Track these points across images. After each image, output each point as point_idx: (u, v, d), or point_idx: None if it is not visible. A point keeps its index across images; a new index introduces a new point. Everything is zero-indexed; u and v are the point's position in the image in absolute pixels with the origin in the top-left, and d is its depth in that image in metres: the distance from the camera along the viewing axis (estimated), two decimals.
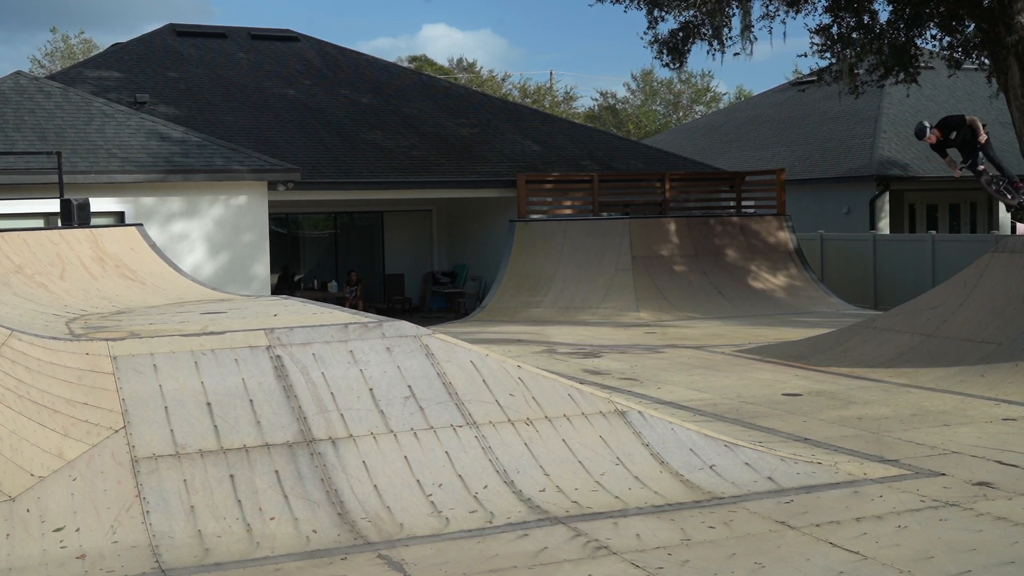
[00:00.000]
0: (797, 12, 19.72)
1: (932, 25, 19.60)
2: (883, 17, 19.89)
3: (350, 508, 6.51)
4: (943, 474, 7.61)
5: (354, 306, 21.72)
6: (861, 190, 26.25)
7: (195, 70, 25.74)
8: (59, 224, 14.52)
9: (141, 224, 14.11)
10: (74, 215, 13.70)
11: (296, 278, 24.66)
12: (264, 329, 7.96)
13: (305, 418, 7.16)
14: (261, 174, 18.58)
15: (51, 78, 23.64)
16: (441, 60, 59.89)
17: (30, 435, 6.51)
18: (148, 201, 17.90)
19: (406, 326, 8.30)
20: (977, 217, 29.15)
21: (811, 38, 20.18)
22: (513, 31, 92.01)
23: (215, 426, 6.93)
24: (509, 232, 21.62)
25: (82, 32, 78.04)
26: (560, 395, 7.94)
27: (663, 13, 20.22)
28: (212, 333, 7.82)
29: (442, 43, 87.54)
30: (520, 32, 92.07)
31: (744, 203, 23.75)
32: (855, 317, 17.58)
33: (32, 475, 6.27)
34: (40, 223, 16.42)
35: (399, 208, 25.59)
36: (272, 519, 6.34)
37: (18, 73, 20.19)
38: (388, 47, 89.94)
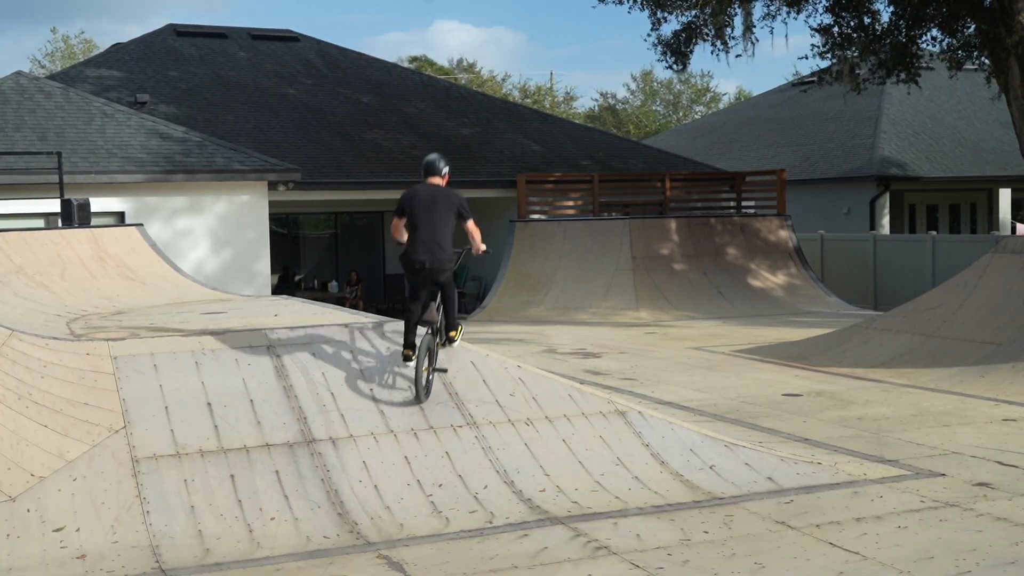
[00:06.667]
0: (798, 12, 19.72)
1: (933, 26, 19.61)
2: (884, 17, 19.90)
3: (350, 508, 6.51)
4: (943, 474, 7.61)
5: (354, 306, 21.72)
6: (861, 190, 26.26)
7: (195, 70, 25.75)
8: (59, 224, 14.53)
9: (141, 224, 14.12)
10: (74, 215, 13.71)
11: (296, 278, 24.67)
12: (264, 329, 7.96)
13: (305, 418, 7.16)
14: (262, 174, 18.59)
15: (51, 78, 23.65)
16: (454, 56, 59.94)
17: (30, 435, 6.51)
18: (148, 201, 17.90)
19: None
20: (977, 217, 29.16)
21: (811, 37, 20.23)
22: (528, 27, 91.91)
23: (215, 426, 6.94)
24: (509, 232, 21.62)
25: (82, 32, 78.19)
26: (560, 395, 7.94)
27: (665, 14, 20.22)
28: (212, 333, 7.82)
29: (454, 38, 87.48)
30: (535, 28, 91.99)
31: (744, 203, 23.76)
32: (855, 317, 17.58)
33: (32, 475, 6.27)
34: (41, 223, 16.42)
35: None
36: (272, 519, 6.34)
37: (18, 73, 20.20)
38: (399, 41, 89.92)
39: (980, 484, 7.35)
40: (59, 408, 6.78)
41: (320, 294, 23.17)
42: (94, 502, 6.22)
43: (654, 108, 60.18)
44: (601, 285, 20.16)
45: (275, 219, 22.08)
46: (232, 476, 6.59)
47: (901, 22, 19.42)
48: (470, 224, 8.31)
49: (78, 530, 6.03)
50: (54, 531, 5.99)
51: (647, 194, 23.48)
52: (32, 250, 11.32)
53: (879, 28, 19.55)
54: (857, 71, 20.23)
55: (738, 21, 19.97)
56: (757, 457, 7.74)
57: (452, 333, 8.34)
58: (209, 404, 7.09)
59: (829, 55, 20.11)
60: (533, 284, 20.54)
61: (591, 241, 20.99)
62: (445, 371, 7.93)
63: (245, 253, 18.60)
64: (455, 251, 8.23)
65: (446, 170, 8.44)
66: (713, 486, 7.21)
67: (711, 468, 7.48)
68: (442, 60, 60.76)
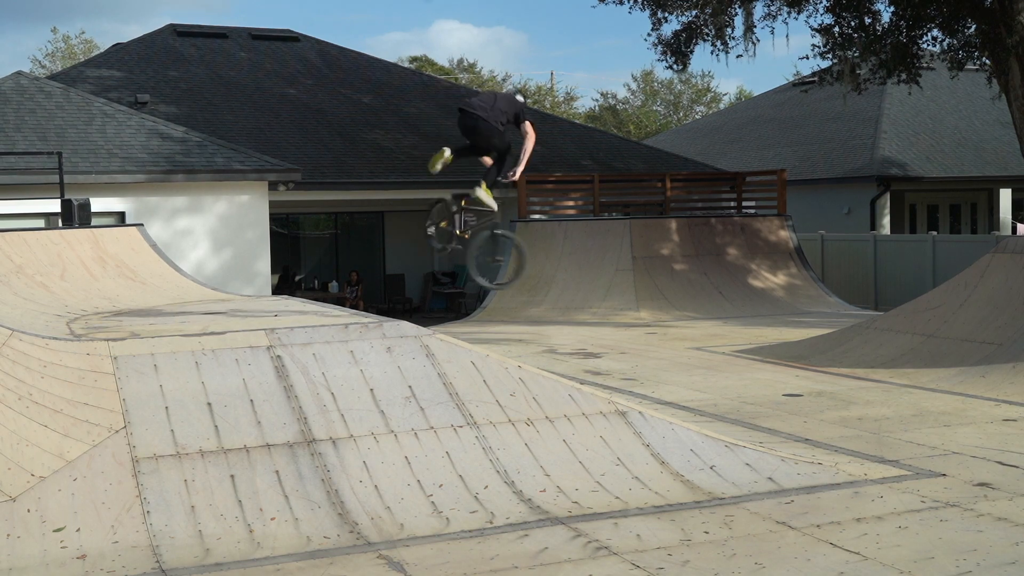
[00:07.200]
0: (799, 12, 19.72)
1: (934, 26, 19.62)
2: (885, 17, 19.91)
3: (351, 508, 6.51)
4: (943, 475, 7.61)
5: (355, 306, 21.72)
6: (862, 190, 26.26)
7: (196, 70, 25.75)
8: (60, 224, 14.53)
9: (142, 224, 14.11)
10: (75, 215, 13.71)
11: (297, 278, 24.67)
12: (265, 329, 7.95)
13: (305, 418, 7.15)
14: (262, 174, 18.58)
15: (52, 78, 23.65)
16: (455, 56, 60.06)
17: (31, 435, 6.51)
18: (149, 201, 17.91)
19: (406, 326, 8.30)
20: (978, 218, 29.17)
21: (812, 37, 20.30)
22: (529, 27, 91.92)
23: (216, 426, 6.93)
24: (510, 232, 21.61)
25: (82, 32, 78.30)
26: (560, 395, 7.94)
27: (666, 14, 20.22)
28: (213, 333, 7.81)
29: (454, 38, 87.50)
30: (535, 28, 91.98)
31: (745, 203, 23.75)
32: (855, 317, 17.58)
33: (33, 475, 6.27)
34: (41, 223, 16.42)
35: (400, 208, 25.60)
36: (273, 519, 6.34)
37: (19, 73, 20.20)
38: (399, 41, 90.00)
39: (981, 484, 7.35)
40: (59, 408, 6.78)
41: (320, 294, 23.17)
42: (94, 502, 6.22)
43: (655, 108, 60.19)
44: (601, 285, 20.15)
45: (275, 219, 22.08)
46: (232, 476, 6.59)
47: (902, 22, 19.43)
48: (527, 125, 9.34)
49: (78, 530, 6.02)
50: (54, 531, 5.98)
51: (648, 194, 23.48)
52: (32, 250, 11.31)
53: (880, 28, 19.56)
54: (858, 71, 20.24)
55: (739, 21, 20.01)
56: (758, 457, 7.74)
57: (482, 186, 9.22)
58: (209, 404, 7.09)
59: (830, 55, 20.12)
60: (533, 284, 20.53)
61: (591, 241, 20.99)
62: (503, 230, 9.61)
63: (245, 253, 18.60)
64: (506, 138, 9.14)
65: (521, 100, 9.45)
66: (714, 486, 7.21)
67: (712, 468, 7.48)
68: (442, 60, 60.83)
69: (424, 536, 6.28)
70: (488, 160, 9.30)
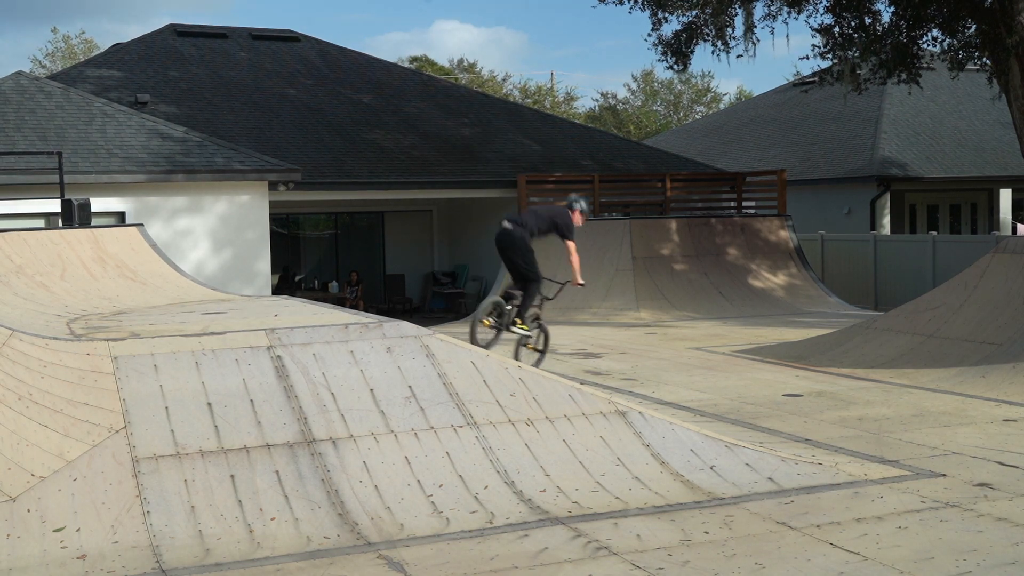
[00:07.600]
0: (799, 12, 19.71)
1: (934, 26, 19.62)
2: (885, 18, 19.90)
3: (351, 508, 6.51)
4: (943, 475, 7.61)
5: (355, 306, 21.72)
6: (862, 190, 26.26)
7: (196, 70, 25.75)
8: (60, 224, 14.53)
9: (142, 224, 14.11)
10: (75, 215, 13.71)
11: (297, 278, 24.67)
12: (265, 329, 7.95)
13: (306, 418, 7.15)
14: (262, 174, 18.58)
15: (52, 78, 23.65)
16: (455, 56, 60.09)
17: (31, 435, 6.51)
18: (149, 201, 17.91)
19: (406, 326, 8.30)
20: (978, 218, 29.17)
21: (812, 38, 20.32)
22: (529, 27, 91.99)
23: (216, 426, 6.93)
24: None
25: (83, 32, 78.35)
26: (561, 395, 7.94)
27: (666, 14, 20.21)
28: (213, 333, 7.81)
29: (454, 38, 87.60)
30: (535, 29, 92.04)
31: (745, 204, 23.75)
32: (855, 317, 17.58)
33: (33, 475, 6.27)
34: (41, 223, 16.42)
35: (400, 208, 25.61)
36: (273, 519, 6.34)
37: (19, 73, 20.19)
38: (399, 41, 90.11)
39: (981, 484, 7.35)
40: (59, 408, 6.78)
41: (320, 294, 23.18)
42: (94, 502, 6.22)
43: (655, 108, 60.19)
44: (601, 285, 20.15)
45: (275, 219, 22.08)
46: (232, 476, 6.59)
47: (902, 22, 19.42)
48: (569, 245, 11.32)
49: (78, 530, 6.02)
50: (54, 531, 5.99)
51: (648, 194, 23.49)
52: (32, 250, 11.31)
53: (880, 28, 19.56)
54: (858, 71, 20.23)
55: (739, 21, 19.99)
56: (758, 457, 7.74)
57: (518, 321, 11.18)
58: (209, 404, 7.09)
59: (830, 55, 20.11)
60: None
61: (591, 241, 20.96)
62: (528, 337, 11.37)
63: (245, 253, 18.60)
64: (545, 276, 11.27)
65: (578, 207, 11.75)
66: (714, 486, 7.21)
67: (712, 468, 7.48)
68: (442, 60, 60.84)
69: (424, 536, 6.28)
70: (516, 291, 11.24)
